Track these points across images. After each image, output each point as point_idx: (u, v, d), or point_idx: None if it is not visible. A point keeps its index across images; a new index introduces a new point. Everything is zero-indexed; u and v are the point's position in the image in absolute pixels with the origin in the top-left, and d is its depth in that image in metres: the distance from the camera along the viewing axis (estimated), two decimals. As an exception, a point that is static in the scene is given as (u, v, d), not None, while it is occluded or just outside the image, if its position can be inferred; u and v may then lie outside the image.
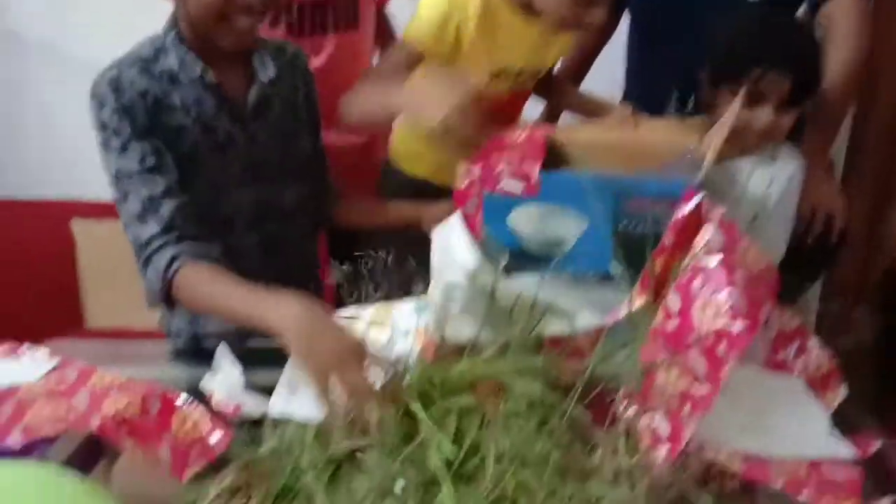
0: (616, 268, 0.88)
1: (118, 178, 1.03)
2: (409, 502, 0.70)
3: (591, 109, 1.40)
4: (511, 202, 0.94)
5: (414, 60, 1.18)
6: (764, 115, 1.11)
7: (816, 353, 0.95)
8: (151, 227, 1.01)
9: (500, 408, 0.81)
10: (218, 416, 0.87)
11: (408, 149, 1.43)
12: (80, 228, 2.04)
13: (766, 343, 0.95)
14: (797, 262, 1.17)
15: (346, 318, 0.96)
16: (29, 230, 2.02)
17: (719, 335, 0.74)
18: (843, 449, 0.83)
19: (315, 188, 1.26)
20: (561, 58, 1.43)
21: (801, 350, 0.96)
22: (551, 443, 0.77)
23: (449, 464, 0.74)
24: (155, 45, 1.09)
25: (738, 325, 0.73)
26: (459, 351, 0.90)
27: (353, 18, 1.44)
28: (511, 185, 0.93)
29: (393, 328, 0.96)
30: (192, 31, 1.08)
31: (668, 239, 0.83)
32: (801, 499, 0.74)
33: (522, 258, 0.95)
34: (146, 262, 1.02)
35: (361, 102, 1.18)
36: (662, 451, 0.78)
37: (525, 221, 0.94)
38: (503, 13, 1.21)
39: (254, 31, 1.08)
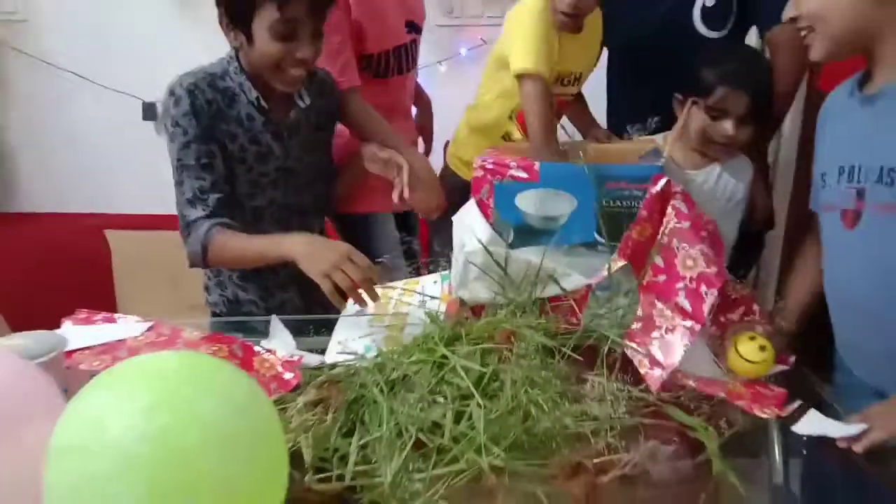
0: (600, 238, 1.12)
1: (178, 166, 1.28)
2: (449, 409, 0.92)
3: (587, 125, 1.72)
4: (517, 187, 1.17)
5: (543, 86, 1.39)
6: (727, 127, 1.35)
7: (759, 315, 1.20)
8: (198, 212, 1.26)
9: (513, 350, 1.05)
10: (287, 362, 1.09)
11: (465, 159, 1.70)
12: (114, 237, 2.25)
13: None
14: (741, 246, 1.43)
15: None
16: (68, 239, 2.23)
17: (699, 278, 1.00)
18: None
19: (327, 189, 1.51)
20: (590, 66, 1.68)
21: (748, 312, 1.21)
22: (553, 373, 1.01)
23: (476, 384, 0.97)
24: (222, 66, 1.33)
25: (712, 269, 0.99)
26: (476, 308, 1.14)
27: (414, 61, 1.74)
28: (518, 173, 1.17)
29: (422, 293, 1.19)
30: (251, 69, 1.32)
31: (642, 212, 1.08)
32: (738, 404, 0.99)
33: (526, 233, 1.18)
34: (189, 234, 1.26)
35: None
36: (657, 373, 1.01)
37: (528, 202, 1.17)
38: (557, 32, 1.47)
39: (302, 78, 1.32)
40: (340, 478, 0.85)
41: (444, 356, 1.01)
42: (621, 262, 1.09)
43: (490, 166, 1.17)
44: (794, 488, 1.01)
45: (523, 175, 1.16)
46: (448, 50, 2.33)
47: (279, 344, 1.18)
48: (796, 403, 1.02)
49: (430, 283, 1.22)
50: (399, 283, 1.26)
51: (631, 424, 0.96)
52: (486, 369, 0.98)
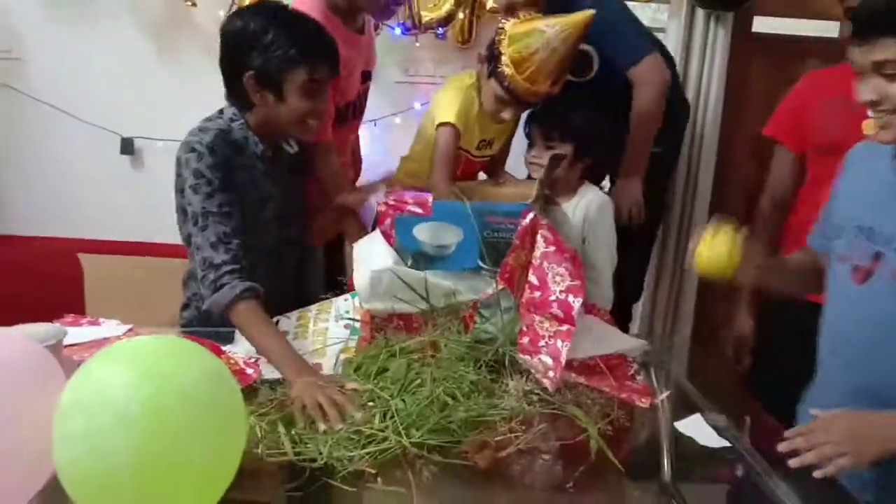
0: (483, 264, 1.37)
1: (203, 213, 1.39)
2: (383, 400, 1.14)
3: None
4: (414, 221, 1.40)
5: (454, 135, 1.75)
6: (532, 154, 1.73)
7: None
8: (223, 255, 1.37)
9: (435, 357, 1.27)
10: (248, 361, 1.29)
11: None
12: (87, 260, 2.42)
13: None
14: (630, 247, 1.77)
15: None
16: (45, 260, 2.40)
17: (567, 290, 1.24)
18: (635, 343, 1.36)
19: (306, 222, 1.71)
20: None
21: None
22: (466, 371, 1.23)
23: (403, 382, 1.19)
24: (226, 122, 1.50)
25: (576, 282, 1.24)
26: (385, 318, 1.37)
27: (362, 110, 1.97)
28: (415, 209, 1.40)
29: (336, 310, 1.42)
30: (262, 123, 1.50)
31: (515, 242, 1.32)
32: (618, 395, 1.24)
33: (422, 258, 1.41)
34: (217, 281, 1.35)
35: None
36: (551, 374, 1.24)
37: (424, 233, 1.40)
38: (477, 106, 1.82)
39: (317, 128, 1.53)
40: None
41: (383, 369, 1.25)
42: (501, 285, 1.33)
43: (392, 203, 1.41)
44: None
45: (419, 210, 1.40)
46: (404, 104, 2.62)
47: (241, 348, 1.37)
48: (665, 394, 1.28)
49: (342, 302, 1.44)
50: (314, 305, 1.48)
51: (532, 414, 1.18)
52: (408, 375, 1.20)
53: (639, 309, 2.51)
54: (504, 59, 1.66)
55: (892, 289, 1.12)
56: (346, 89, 1.81)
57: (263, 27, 1.42)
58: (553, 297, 1.25)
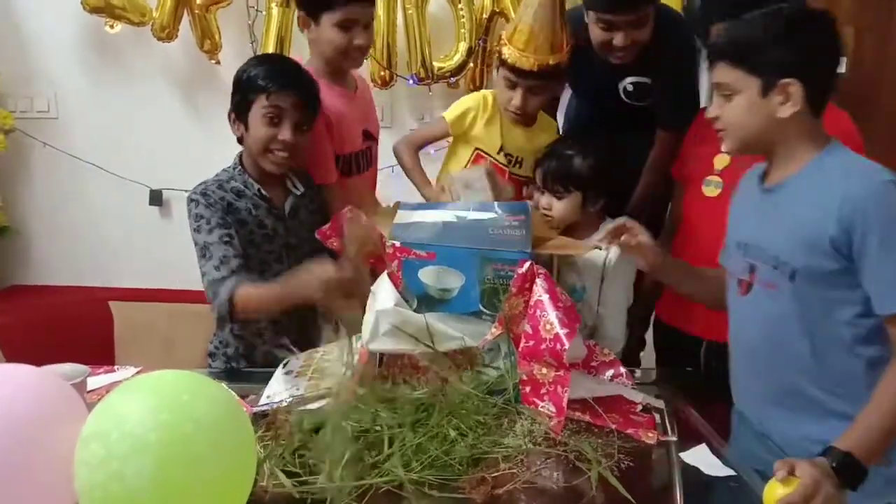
0: (483, 308, 1.41)
1: (205, 245, 1.56)
2: (386, 435, 1.19)
3: None
4: (420, 264, 1.44)
5: (443, 129, 1.93)
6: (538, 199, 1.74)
7: (626, 377, 1.45)
8: (223, 273, 1.52)
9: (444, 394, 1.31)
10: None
11: None
12: (117, 307, 2.54)
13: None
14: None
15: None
16: (77, 308, 2.52)
17: (555, 339, 1.27)
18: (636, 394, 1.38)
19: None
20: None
21: (616, 374, 1.46)
22: (474, 407, 1.28)
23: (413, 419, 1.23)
24: (228, 173, 1.66)
25: (564, 330, 1.26)
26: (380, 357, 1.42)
27: (372, 160, 2.04)
28: (420, 252, 1.43)
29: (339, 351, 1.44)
30: (251, 164, 1.65)
31: (511, 289, 1.35)
32: (625, 431, 1.26)
33: (426, 301, 1.45)
34: (216, 291, 1.51)
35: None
36: (555, 422, 1.26)
37: (428, 276, 1.44)
38: (492, 111, 1.89)
39: (288, 160, 1.63)
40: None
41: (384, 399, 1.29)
42: (499, 331, 1.37)
43: (399, 245, 1.45)
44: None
45: (424, 254, 1.44)
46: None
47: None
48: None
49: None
50: (322, 347, 1.54)
51: (536, 453, 1.20)
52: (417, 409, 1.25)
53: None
54: (503, 39, 1.78)
55: (765, 298, 1.27)
56: (345, 138, 1.88)
57: (244, 69, 1.62)
58: (544, 346, 1.28)
